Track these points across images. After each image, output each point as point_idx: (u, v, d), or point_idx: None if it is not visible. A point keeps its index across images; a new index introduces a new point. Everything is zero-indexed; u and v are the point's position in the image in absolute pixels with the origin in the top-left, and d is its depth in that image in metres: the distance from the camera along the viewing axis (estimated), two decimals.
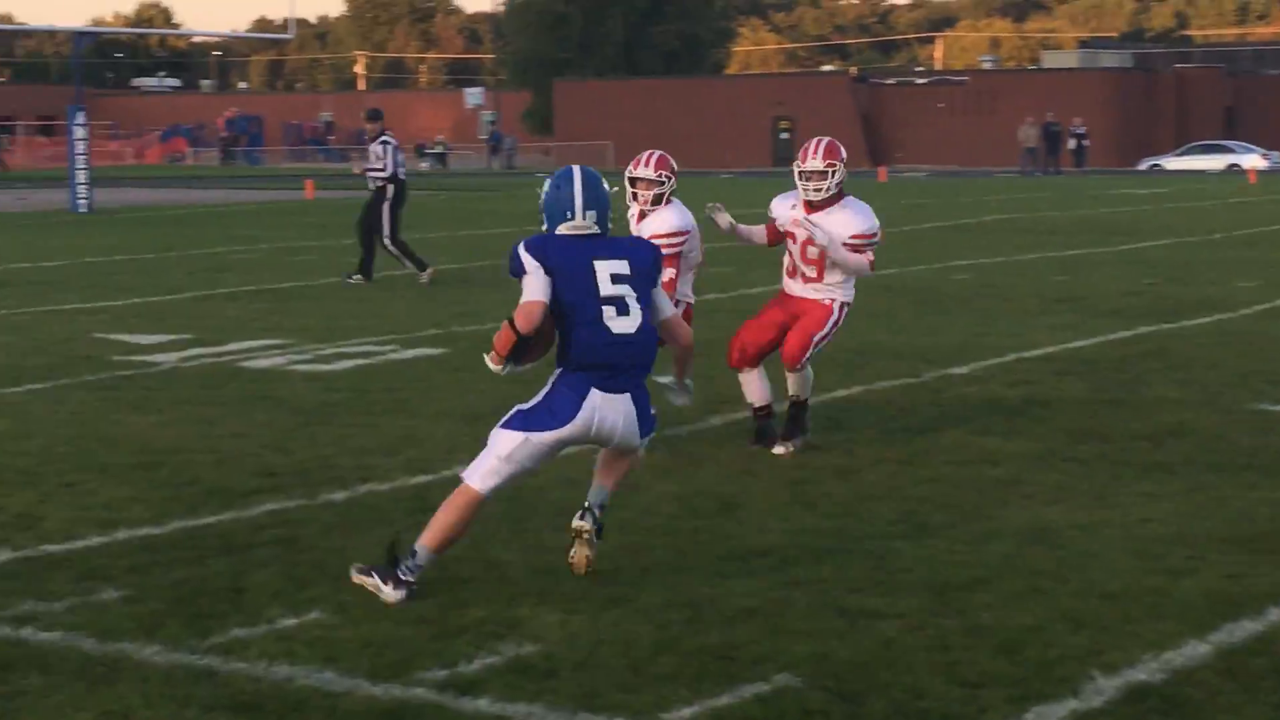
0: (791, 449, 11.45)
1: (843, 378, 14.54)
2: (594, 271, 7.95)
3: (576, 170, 8.18)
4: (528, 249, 7.96)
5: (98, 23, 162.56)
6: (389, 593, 7.85)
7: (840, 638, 7.30)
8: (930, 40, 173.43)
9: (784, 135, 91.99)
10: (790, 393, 11.68)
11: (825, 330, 11.64)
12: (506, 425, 7.99)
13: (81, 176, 45.00)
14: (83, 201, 44.84)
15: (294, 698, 6.59)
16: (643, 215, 11.69)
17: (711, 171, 79.13)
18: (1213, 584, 8.17)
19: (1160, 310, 19.69)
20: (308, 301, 21.55)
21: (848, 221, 11.59)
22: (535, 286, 7.90)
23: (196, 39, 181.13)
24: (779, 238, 12.00)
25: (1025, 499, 10.03)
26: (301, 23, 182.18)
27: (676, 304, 11.13)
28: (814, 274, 11.66)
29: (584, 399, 7.91)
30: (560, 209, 8.09)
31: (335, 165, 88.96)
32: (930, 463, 11.06)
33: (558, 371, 8.04)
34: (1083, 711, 6.48)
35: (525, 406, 8.01)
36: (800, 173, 11.69)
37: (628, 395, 8.00)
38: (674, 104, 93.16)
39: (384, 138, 24.45)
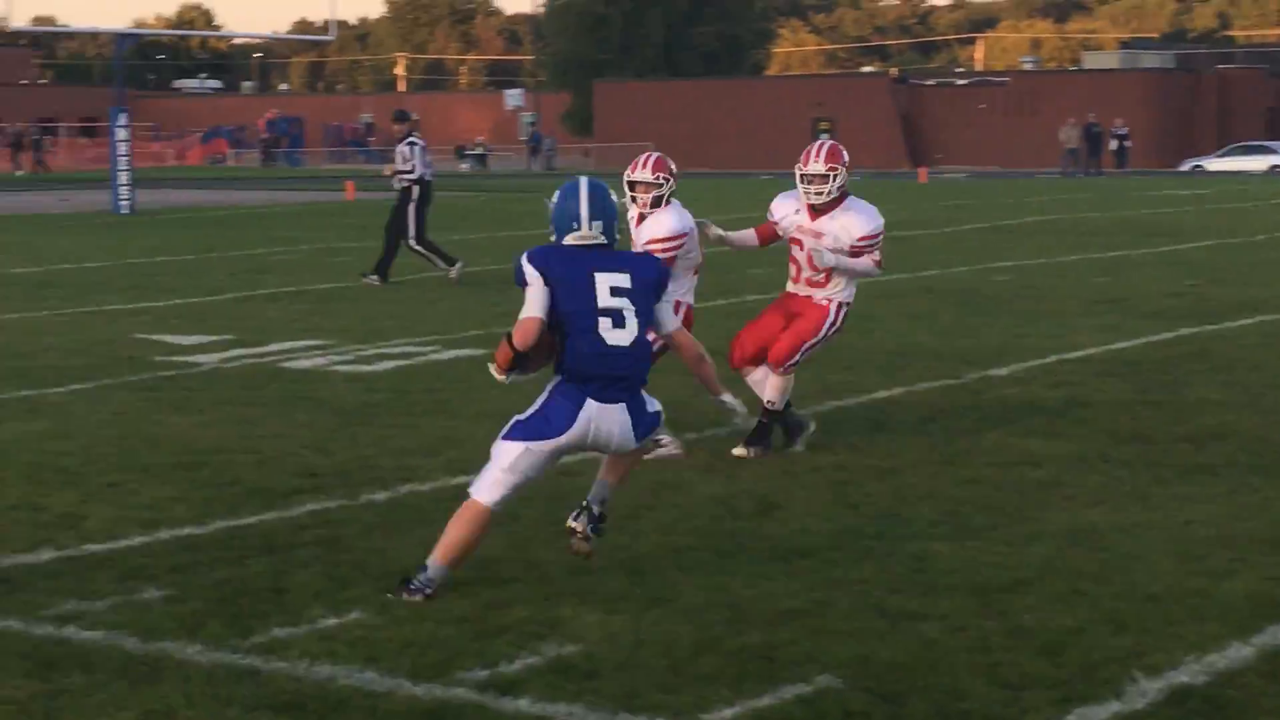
0: (752, 454, 11.36)
1: (883, 379, 14.52)
2: (594, 283, 8.01)
3: (584, 182, 8.21)
4: (530, 260, 8.05)
5: (139, 24, 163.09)
6: (406, 598, 7.91)
7: (881, 639, 7.29)
8: (971, 41, 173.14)
9: (824, 136, 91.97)
10: (766, 398, 11.59)
11: (818, 336, 11.63)
12: (507, 437, 8.04)
13: (123, 178, 45.16)
14: (125, 203, 45.00)
15: (335, 697, 6.60)
16: (641, 218, 11.61)
17: (751, 172, 79.08)
18: (1255, 586, 8.14)
19: (1202, 312, 19.61)
20: (348, 302, 21.59)
21: (853, 224, 11.60)
22: (533, 302, 8.01)
23: (237, 41, 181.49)
24: (774, 238, 11.99)
25: (1067, 500, 10.00)
26: (342, 24, 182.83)
27: (676, 307, 11.09)
28: (820, 278, 11.66)
29: (580, 408, 7.96)
30: (567, 220, 8.15)
31: (375, 166, 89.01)
32: (971, 464, 11.04)
33: (555, 380, 8.09)
34: (1125, 713, 6.46)
35: (522, 417, 8.06)
36: (802, 176, 11.68)
37: (623, 405, 8.04)
38: (713, 105, 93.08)
39: (411, 139, 24.50)
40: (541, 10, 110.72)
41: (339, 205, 49.00)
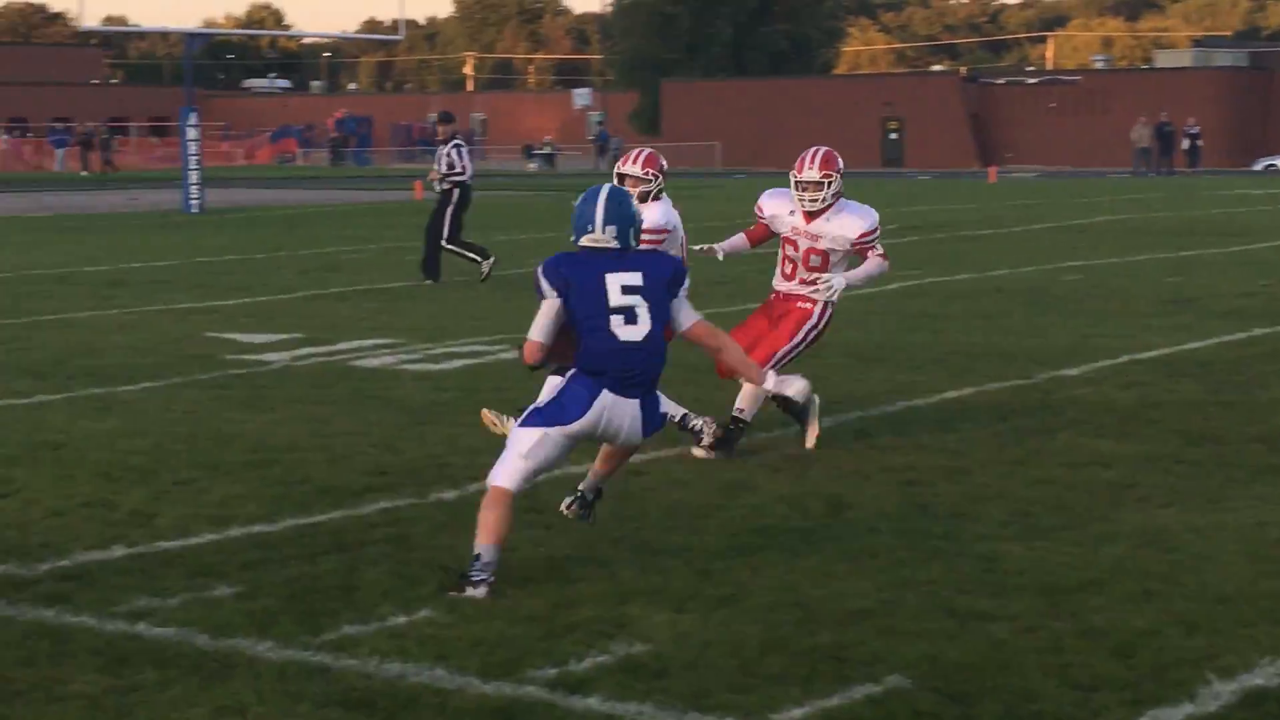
0: (714, 456, 11.26)
1: (953, 379, 14.48)
2: (604, 285, 8.21)
3: (605, 188, 8.43)
4: (544, 272, 8.28)
5: (209, 24, 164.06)
6: (472, 593, 7.92)
7: (951, 639, 7.26)
8: (1041, 40, 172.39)
9: (893, 136, 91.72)
10: (737, 405, 11.48)
11: (794, 342, 11.54)
12: (524, 424, 8.27)
13: (193, 177, 45.44)
14: (194, 202, 45.27)
15: (405, 695, 6.61)
16: None
17: None
18: None
19: (1275, 312, 19.48)
20: (417, 301, 21.65)
21: (849, 224, 11.58)
22: (538, 325, 8.32)
23: (307, 40, 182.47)
24: (765, 236, 11.96)
25: (1138, 501, 9.94)
26: (411, 24, 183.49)
27: None
28: (814, 278, 11.62)
29: (595, 398, 8.17)
30: (583, 223, 8.34)
31: None
32: (1042, 464, 10.99)
33: (572, 371, 8.29)
34: (1199, 715, 6.41)
35: (540, 405, 8.34)
36: (796, 182, 11.63)
37: (637, 401, 8.24)
38: (782, 104, 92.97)
39: (457, 140, 24.57)
40: (609, 9, 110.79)
41: (407, 204, 49.11)
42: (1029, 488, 10.29)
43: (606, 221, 8.29)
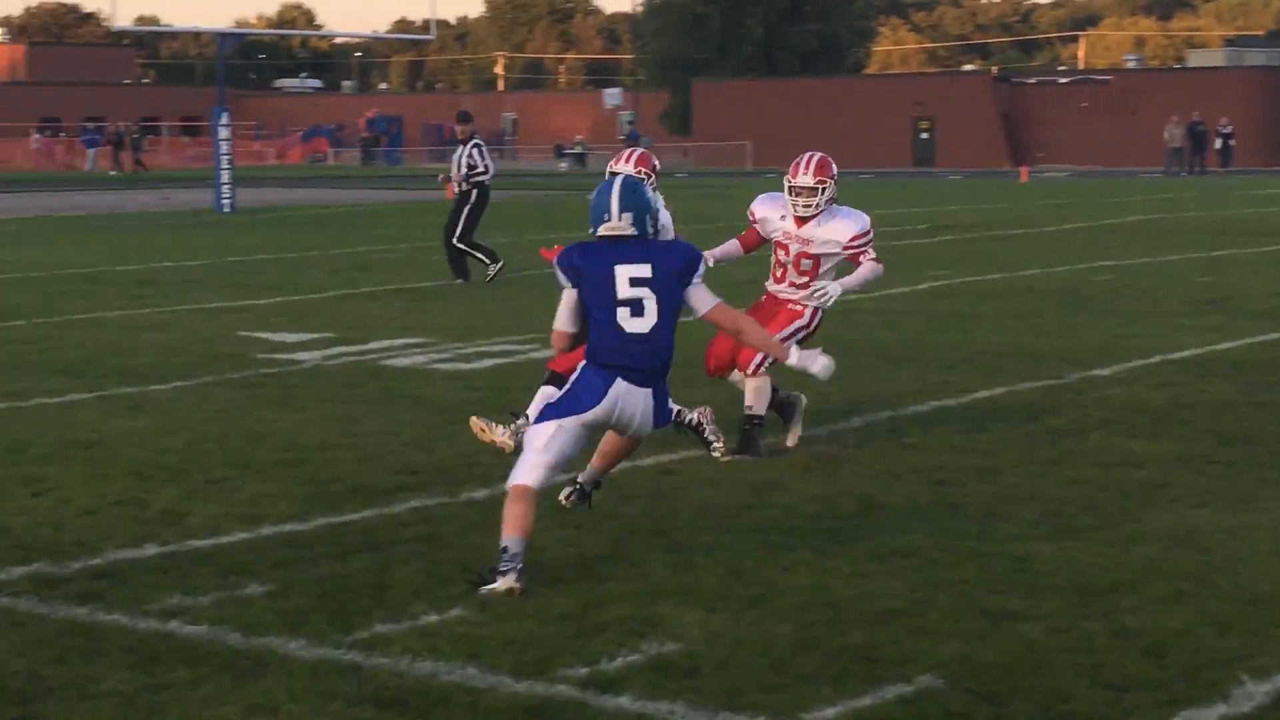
0: (746, 458, 11.16)
1: (985, 378, 14.45)
2: (614, 276, 8.37)
3: (619, 178, 8.65)
4: (559, 263, 8.55)
5: (241, 24, 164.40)
6: (503, 583, 7.94)
7: (983, 639, 7.25)
8: (1073, 39, 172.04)
9: (924, 135, 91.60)
10: (746, 403, 11.43)
11: (785, 335, 11.46)
12: (539, 420, 8.44)
13: (225, 176, 45.54)
14: (226, 201, 45.38)
15: (437, 693, 6.62)
16: None
17: (850, 172, 78.89)
18: None
19: None
20: (448, 301, 21.68)
21: (840, 228, 11.55)
22: (562, 315, 8.63)
23: (338, 40, 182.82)
24: (758, 242, 11.94)
25: (1171, 502, 9.91)
26: (442, 24, 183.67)
27: None
28: (805, 281, 11.60)
29: (609, 386, 8.32)
30: (599, 212, 8.53)
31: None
32: (1074, 464, 10.96)
33: (583, 363, 8.45)
34: (1232, 716, 6.39)
35: (553, 400, 8.54)
36: (790, 187, 11.59)
37: (649, 391, 8.39)
38: (813, 104, 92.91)
39: (475, 140, 24.61)
40: (640, 9, 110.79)
41: (438, 204, 49.05)
42: (1061, 488, 10.27)
43: (622, 209, 8.47)
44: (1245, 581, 8.14)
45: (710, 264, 11.96)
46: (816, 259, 11.57)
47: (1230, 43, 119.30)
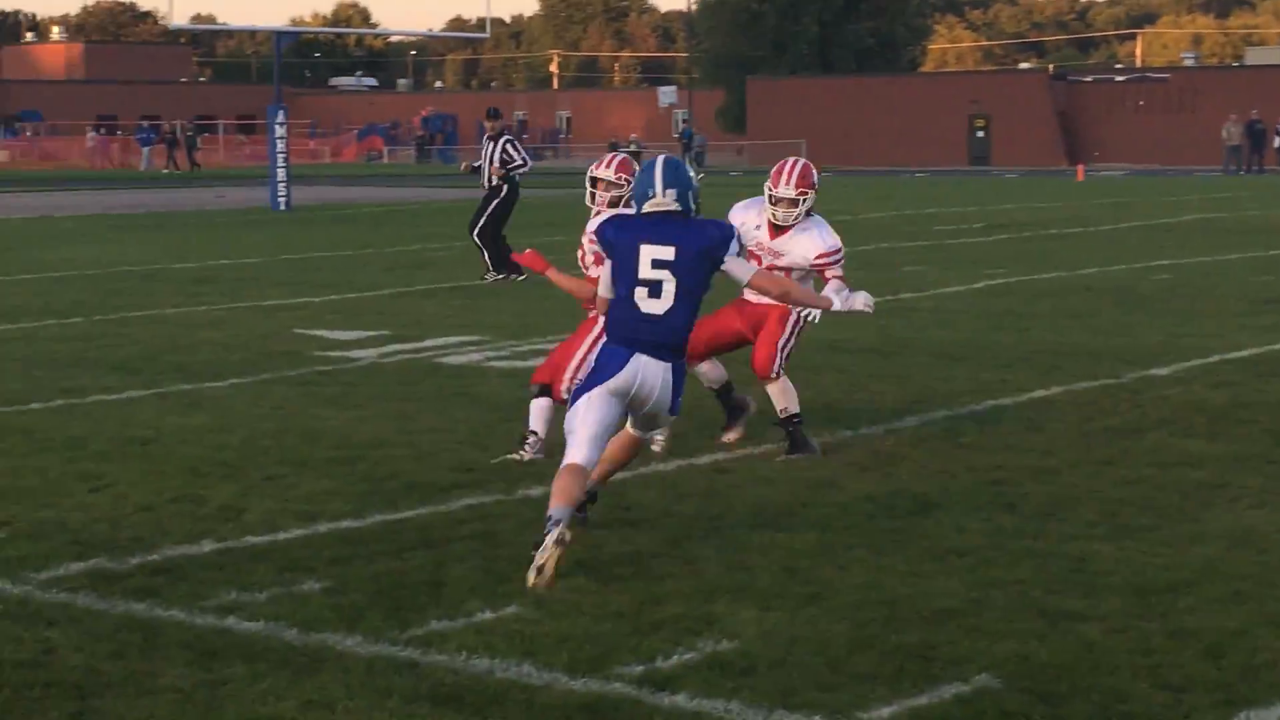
0: (802, 459, 11.10)
1: (1041, 378, 14.39)
2: (638, 255, 8.61)
3: (661, 157, 8.95)
4: (597, 234, 9.00)
5: (297, 23, 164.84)
6: (551, 538, 8.01)
7: (1041, 639, 7.22)
8: (1130, 37, 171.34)
9: (980, 134, 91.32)
10: (778, 409, 11.36)
11: (788, 333, 11.43)
12: (571, 402, 8.69)
13: (280, 175, 45.67)
14: (281, 199, 45.52)
15: (493, 690, 6.62)
16: (599, 215, 11.39)
17: (905, 169, 78.74)
18: None
19: None
20: (502, 299, 21.70)
21: (809, 244, 11.46)
22: (604, 281, 8.88)
23: (393, 38, 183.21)
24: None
25: (1229, 502, 9.86)
26: (497, 22, 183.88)
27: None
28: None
29: (630, 357, 8.55)
30: (643, 190, 8.78)
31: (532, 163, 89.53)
32: (1131, 464, 10.91)
33: (604, 339, 8.79)
34: None
35: (580, 382, 8.75)
36: (770, 197, 11.52)
37: (669, 365, 8.60)
38: (868, 102, 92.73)
39: (507, 135, 24.68)
40: (695, 7, 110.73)
41: None
42: (1118, 488, 10.23)
43: (666, 185, 8.71)
44: None
45: None
46: (787, 271, 11.49)
47: None
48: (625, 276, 8.63)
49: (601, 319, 9.14)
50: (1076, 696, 6.54)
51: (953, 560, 8.54)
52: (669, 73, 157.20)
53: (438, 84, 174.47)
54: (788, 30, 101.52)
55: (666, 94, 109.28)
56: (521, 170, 24.51)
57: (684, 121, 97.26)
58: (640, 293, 8.59)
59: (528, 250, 10.00)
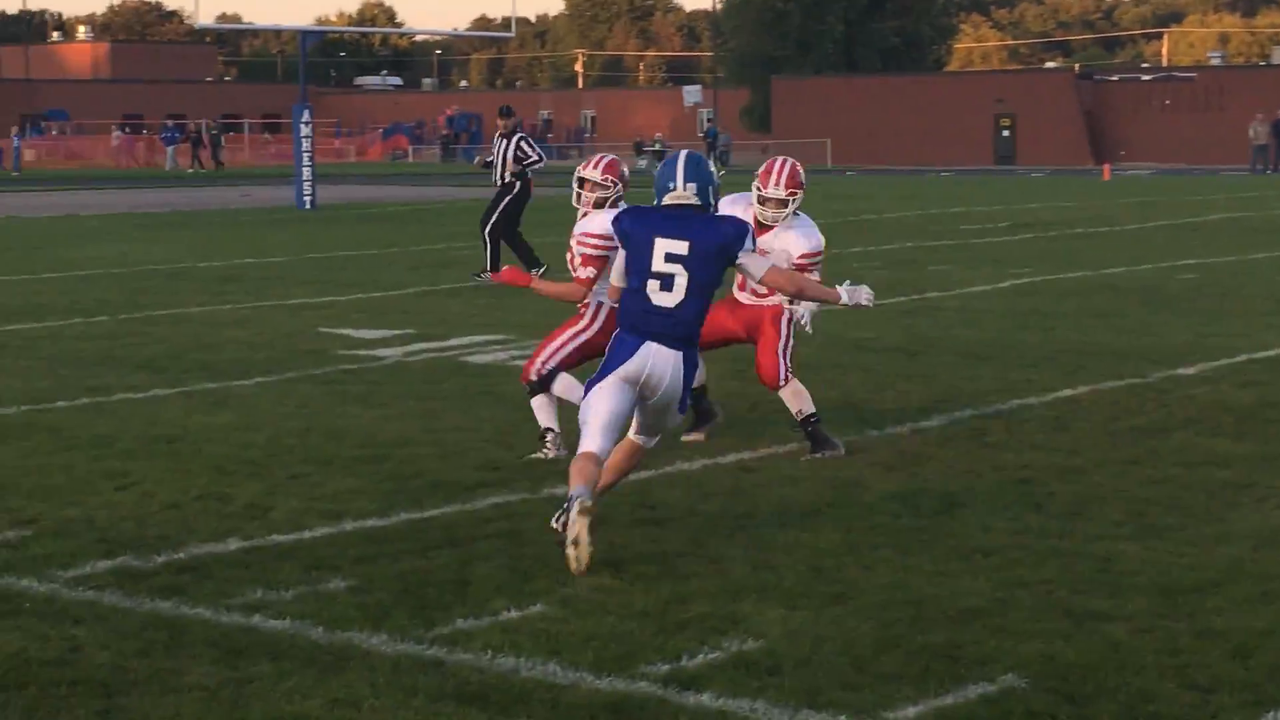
0: (826, 455, 11.08)
1: (1067, 377, 14.36)
2: (652, 248, 8.70)
3: (683, 153, 9.01)
4: (613, 223, 9.00)
5: (322, 22, 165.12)
6: (574, 511, 8.22)
7: (1067, 639, 7.20)
8: (1157, 36, 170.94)
9: (1005, 133, 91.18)
10: (793, 412, 11.31)
11: (785, 335, 11.41)
12: (585, 394, 8.81)
13: (306, 173, 45.74)
14: (307, 198, 45.59)
15: (518, 689, 6.62)
16: (585, 215, 11.34)
17: (931, 169, 78.63)
18: None
19: None
20: (528, 298, 21.66)
21: (793, 243, 11.41)
22: (617, 270, 9.06)
23: (418, 38, 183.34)
24: None
25: (1256, 502, 9.83)
26: (522, 21, 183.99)
27: (599, 307, 10.95)
28: (765, 291, 11.51)
29: (640, 345, 8.66)
30: (664, 183, 8.86)
31: (555, 163, 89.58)
32: (1158, 464, 10.89)
33: (617, 330, 8.84)
34: None
35: (592, 375, 8.85)
36: (760, 196, 11.48)
37: (679, 354, 8.68)
38: (893, 101, 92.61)
39: (520, 133, 24.68)
40: (720, 6, 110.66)
41: None
42: (1144, 487, 10.20)
43: (687, 179, 8.79)
44: None
45: None
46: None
47: None
48: (638, 268, 8.72)
49: (593, 309, 9.57)
50: (1103, 696, 6.52)
51: (978, 560, 8.52)
52: (694, 72, 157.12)
53: (463, 83, 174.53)
54: (813, 29, 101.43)
55: (691, 93, 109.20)
56: (537, 165, 24.52)
57: (709, 121, 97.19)
58: (652, 285, 8.68)
59: (505, 269, 9.96)
